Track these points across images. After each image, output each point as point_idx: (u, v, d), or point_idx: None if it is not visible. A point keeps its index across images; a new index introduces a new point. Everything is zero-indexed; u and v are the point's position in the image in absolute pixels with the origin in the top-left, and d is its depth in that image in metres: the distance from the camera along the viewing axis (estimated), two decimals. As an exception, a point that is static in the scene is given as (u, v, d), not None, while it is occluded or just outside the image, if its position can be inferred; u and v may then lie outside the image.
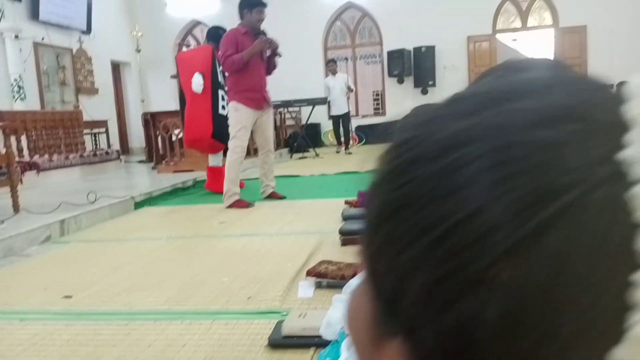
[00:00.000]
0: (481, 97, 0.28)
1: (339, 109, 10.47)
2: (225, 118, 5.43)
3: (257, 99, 5.23)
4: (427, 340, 0.26)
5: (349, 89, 10.29)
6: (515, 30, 12.46)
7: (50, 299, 2.99)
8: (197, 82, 5.59)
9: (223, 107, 5.70)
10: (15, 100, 9.16)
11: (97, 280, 3.27)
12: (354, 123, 11.70)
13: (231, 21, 5.67)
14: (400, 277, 0.26)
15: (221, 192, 5.29)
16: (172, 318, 2.55)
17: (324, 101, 10.59)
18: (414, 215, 0.26)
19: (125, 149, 12.34)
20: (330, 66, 10.64)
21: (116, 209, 5.35)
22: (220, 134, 5.67)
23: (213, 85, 5.75)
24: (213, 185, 6.06)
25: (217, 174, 5.97)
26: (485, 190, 0.24)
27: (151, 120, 8.54)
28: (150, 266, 3.51)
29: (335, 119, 10.77)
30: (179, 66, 6.05)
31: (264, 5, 5.31)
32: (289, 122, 11.66)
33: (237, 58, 5.06)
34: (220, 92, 5.79)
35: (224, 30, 5.65)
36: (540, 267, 0.23)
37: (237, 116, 5.15)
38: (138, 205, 5.66)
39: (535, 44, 13.62)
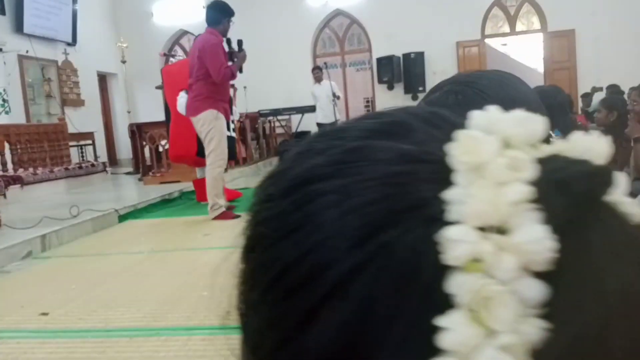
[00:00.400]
0: (341, 135, 0.29)
1: (325, 117, 9.84)
2: None
3: (227, 110, 5.17)
4: None
5: (335, 97, 9.74)
6: (504, 35, 12.48)
7: (26, 316, 2.95)
8: (181, 104, 5.38)
9: None
10: (0, 114, 9.03)
11: (74, 297, 3.22)
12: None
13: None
14: (244, 319, 0.29)
15: None
16: (148, 334, 2.50)
17: (312, 109, 10.51)
18: (260, 256, 0.28)
19: (113, 160, 12.23)
20: (316, 73, 10.00)
21: (99, 223, 5.25)
22: (204, 152, 5.57)
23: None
24: (202, 196, 5.98)
25: (202, 185, 5.88)
26: (311, 231, 0.26)
27: (137, 131, 8.46)
28: (130, 281, 3.43)
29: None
30: (165, 79, 5.97)
31: (233, 15, 5.14)
32: (278, 131, 11.59)
33: (234, 69, 4.94)
34: None
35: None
36: (351, 310, 0.24)
37: (219, 125, 5.00)
38: (122, 218, 5.56)
39: (524, 48, 13.65)
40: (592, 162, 0.25)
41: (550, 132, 0.94)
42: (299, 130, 11.14)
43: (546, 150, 0.26)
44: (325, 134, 0.31)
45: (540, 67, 12.51)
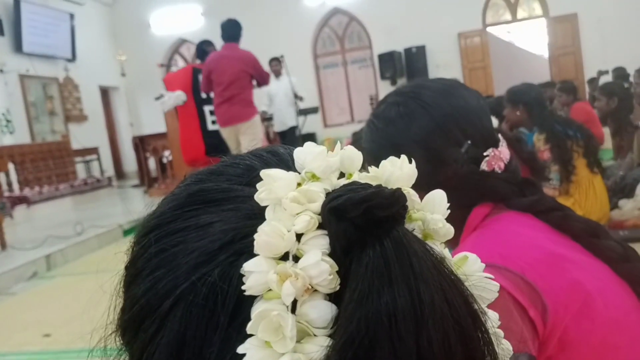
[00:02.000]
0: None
1: (282, 123, 7.92)
2: (217, 133, 5.31)
3: None
4: None
5: (297, 97, 7.73)
6: (506, 22, 12.33)
7: (29, 338, 2.95)
8: (163, 102, 5.58)
9: (213, 122, 5.58)
10: (4, 135, 9.06)
11: (77, 316, 3.14)
12: (349, 129, 11.54)
13: (216, 36, 5.53)
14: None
15: None
16: None
17: (316, 110, 10.42)
18: (123, 298, 0.33)
19: (119, 173, 12.24)
20: (274, 66, 7.77)
21: (104, 239, 5.22)
22: (214, 150, 5.52)
23: (197, 103, 5.64)
24: None
25: None
26: (145, 277, 0.30)
27: (141, 144, 8.43)
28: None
29: (280, 137, 8.00)
30: (167, 88, 5.96)
31: None
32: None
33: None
34: (207, 108, 5.67)
35: (208, 43, 5.65)
36: (165, 346, 0.27)
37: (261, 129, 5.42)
38: (127, 232, 5.52)
39: (528, 35, 13.47)
40: (370, 188, 0.27)
41: (523, 130, 0.90)
42: (303, 132, 11.07)
43: (356, 178, 0.30)
44: (187, 178, 0.35)
45: (545, 53, 12.35)
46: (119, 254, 0.34)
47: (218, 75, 5.01)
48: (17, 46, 9.77)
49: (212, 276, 0.27)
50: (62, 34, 10.85)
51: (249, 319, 0.26)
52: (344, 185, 0.29)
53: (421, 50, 11.81)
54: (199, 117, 5.68)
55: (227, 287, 0.27)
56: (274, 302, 0.26)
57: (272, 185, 0.28)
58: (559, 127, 3.34)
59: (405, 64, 11.96)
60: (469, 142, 0.86)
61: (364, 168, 0.32)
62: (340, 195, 0.27)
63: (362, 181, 0.29)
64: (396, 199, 0.27)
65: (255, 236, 0.27)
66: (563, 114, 4.93)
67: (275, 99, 7.86)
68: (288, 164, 0.32)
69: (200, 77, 5.33)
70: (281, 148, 0.36)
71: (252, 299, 0.26)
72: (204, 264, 0.28)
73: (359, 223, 0.26)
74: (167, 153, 7.90)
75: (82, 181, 8.53)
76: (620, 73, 8.04)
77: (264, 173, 0.29)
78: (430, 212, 0.31)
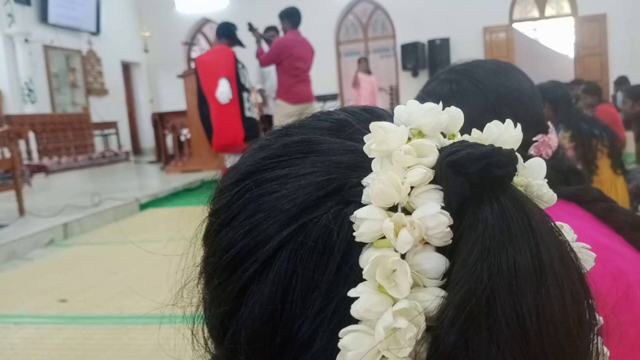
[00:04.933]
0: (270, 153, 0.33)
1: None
2: (253, 120, 5.53)
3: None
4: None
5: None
6: (533, 19, 12.16)
7: (46, 302, 3.00)
8: (223, 92, 5.36)
9: (249, 109, 5.66)
10: (26, 104, 9.14)
11: (93, 284, 3.24)
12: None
13: (239, 17, 5.55)
14: (204, 303, 0.34)
15: None
16: (162, 322, 2.47)
17: (335, 97, 10.39)
18: (209, 244, 0.33)
19: (136, 149, 12.32)
20: (271, 36, 6.65)
21: (121, 211, 5.26)
22: (251, 137, 5.63)
23: (238, 89, 5.64)
24: None
25: None
26: (249, 217, 0.30)
27: (160, 120, 8.47)
28: (148, 269, 3.42)
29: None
30: (200, 70, 5.82)
31: None
32: (301, 119, 11.52)
33: None
34: (245, 94, 5.69)
35: (234, 26, 5.59)
36: (274, 283, 0.27)
37: None
38: (143, 206, 5.57)
39: (555, 33, 13.28)
40: (487, 146, 0.27)
41: (550, 124, 0.90)
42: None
43: (458, 138, 0.30)
44: (274, 131, 0.35)
45: (571, 53, 12.18)
46: (135, 226, 0.33)
47: (297, 57, 5.53)
48: (43, 17, 9.84)
49: (322, 220, 0.28)
50: (88, 7, 10.89)
51: (357, 265, 0.26)
52: (458, 142, 0.29)
53: (445, 42, 11.69)
54: (239, 103, 5.68)
55: (338, 232, 0.27)
56: (384, 250, 0.26)
57: (385, 137, 0.28)
58: (585, 125, 3.31)
59: (428, 56, 11.86)
60: (520, 124, 0.83)
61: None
62: (459, 150, 0.27)
63: (471, 141, 0.29)
64: (513, 158, 0.27)
65: (370, 184, 0.27)
66: (589, 114, 4.87)
67: (271, 75, 6.99)
68: (386, 120, 0.31)
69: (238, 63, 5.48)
70: (375, 107, 0.36)
71: (360, 246, 0.27)
72: (311, 209, 0.28)
73: (475, 179, 0.26)
74: (185, 131, 7.93)
75: (100, 154, 8.61)
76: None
77: (375, 125, 0.29)
78: (533, 178, 0.31)
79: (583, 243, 0.31)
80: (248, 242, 0.29)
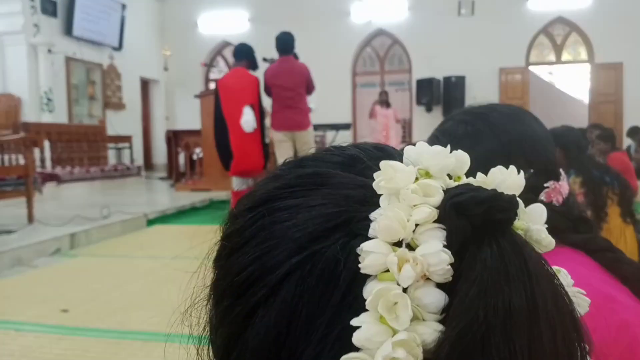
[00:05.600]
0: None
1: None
2: (268, 146, 5.67)
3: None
4: None
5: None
6: (549, 63, 12.24)
7: (47, 311, 2.99)
8: (248, 121, 5.35)
9: (267, 136, 5.80)
10: (44, 113, 9.27)
11: (96, 296, 3.23)
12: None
13: (260, 42, 5.63)
14: (210, 324, 0.35)
15: None
16: (161, 340, 2.49)
17: (348, 126, 10.46)
18: (221, 267, 0.34)
19: (148, 164, 12.40)
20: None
21: (128, 225, 5.28)
22: (267, 163, 5.79)
23: (261, 117, 5.67)
24: None
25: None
26: (261, 243, 0.31)
27: (174, 138, 8.55)
28: (151, 286, 3.42)
29: None
30: (222, 93, 5.76)
31: None
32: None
33: None
34: (265, 122, 5.76)
35: (252, 48, 5.65)
36: (280, 308, 0.29)
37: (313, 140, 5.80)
38: (151, 222, 5.58)
39: (570, 78, 13.34)
40: (490, 191, 0.29)
41: (561, 172, 0.91)
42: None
43: (463, 180, 0.32)
44: (289, 162, 0.37)
45: (586, 99, 12.22)
46: (142, 241, 0.35)
47: (279, 85, 5.45)
48: (68, 29, 10.04)
49: (330, 250, 0.29)
50: (112, 22, 11.11)
51: (360, 296, 0.27)
52: (463, 185, 0.30)
53: (461, 80, 11.78)
54: (261, 130, 5.71)
55: (344, 263, 0.28)
56: (388, 283, 0.27)
57: (394, 175, 0.30)
58: (596, 172, 3.31)
59: (443, 92, 11.94)
60: (532, 170, 0.85)
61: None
62: (463, 193, 0.29)
63: (476, 185, 0.30)
64: (514, 204, 0.29)
65: (377, 219, 0.29)
66: (601, 160, 4.86)
67: None
68: (395, 159, 0.33)
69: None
70: (386, 146, 0.37)
71: (364, 277, 0.28)
72: (320, 240, 0.29)
73: (477, 221, 0.28)
74: (198, 150, 8.00)
75: (113, 167, 8.68)
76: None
77: (385, 163, 0.31)
78: (533, 223, 0.32)
79: (579, 288, 0.33)
80: (258, 267, 0.30)
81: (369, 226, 0.29)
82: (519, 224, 0.31)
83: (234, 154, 5.65)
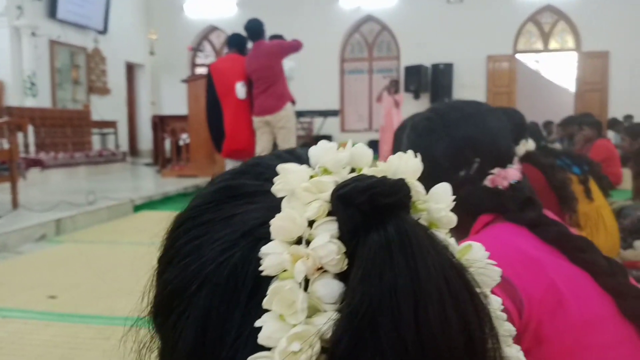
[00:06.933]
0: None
1: None
2: None
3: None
4: None
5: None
6: (536, 51, 12.30)
7: (35, 297, 2.96)
8: (241, 90, 5.59)
9: None
10: (27, 97, 9.12)
11: (84, 282, 3.20)
12: (366, 137, 11.53)
13: (247, 26, 5.63)
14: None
15: None
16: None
17: (336, 113, 10.43)
18: (155, 286, 0.37)
19: (133, 150, 12.29)
20: None
21: (115, 211, 5.23)
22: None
23: (250, 95, 5.72)
24: None
25: None
26: (178, 262, 0.34)
27: (160, 123, 8.47)
28: (140, 272, 3.37)
29: None
30: (215, 76, 5.89)
31: None
32: (299, 133, 11.54)
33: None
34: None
35: (245, 38, 5.74)
36: (196, 317, 0.31)
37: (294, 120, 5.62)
38: (137, 208, 5.54)
39: (557, 66, 13.42)
40: (374, 178, 0.30)
41: (515, 160, 1.05)
42: (320, 134, 11.09)
43: (365, 172, 0.32)
44: (210, 181, 0.39)
45: (572, 87, 12.30)
46: (128, 227, 0.37)
47: (253, 71, 5.47)
48: (52, 12, 9.85)
49: (233, 259, 0.31)
50: (97, 5, 10.93)
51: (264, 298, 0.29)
52: (354, 177, 0.31)
53: (449, 67, 11.80)
54: (251, 110, 5.74)
55: (247, 268, 0.30)
56: (288, 281, 0.28)
57: (287, 177, 0.32)
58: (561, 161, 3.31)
59: (431, 80, 11.96)
60: (478, 159, 1.01)
61: None
62: (348, 184, 0.30)
63: (369, 174, 0.32)
64: (399, 187, 0.30)
65: (272, 221, 0.30)
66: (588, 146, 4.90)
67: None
68: (303, 161, 0.35)
69: None
70: (299, 149, 0.39)
71: (269, 279, 0.29)
72: (227, 250, 0.31)
73: (364, 209, 0.29)
74: (184, 136, 7.93)
75: (98, 152, 8.57)
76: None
77: (280, 167, 0.32)
78: (436, 202, 0.33)
79: (491, 260, 0.34)
80: (177, 283, 0.33)
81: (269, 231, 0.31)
82: (421, 205, 0.32)
83: (226, 133, 5.71)
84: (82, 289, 3.08)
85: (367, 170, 0.33)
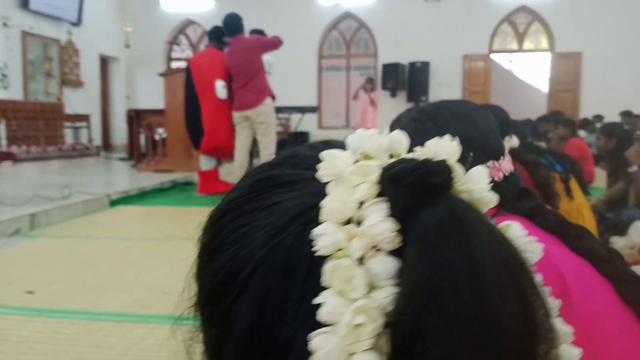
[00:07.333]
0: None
1: None
2: None
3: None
4: None
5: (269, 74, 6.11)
6: (511, 51, 12.47)
7: (12, 293, 2.90)
8: (221, 88, 5.56)
9: None
10: (-2, 89, 8.92)
11: (62, 278, 3.15)
12: (343, 134, 11.53)
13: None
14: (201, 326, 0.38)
15: (216, 193, 5.27)
16: (136, 321, 2.45)
17: (313, 110, 10.41)
18: (200, 277, 0.38)
19: (107, 144, 12.09)
20: None
21: (90, 206, 5.14)
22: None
23: (230, 94, 5.67)
24: (206, 187, 5.94)
25: (209, 177, 5.95)
26: (227, 249, 0.34)
27: (135, 117, 8.34)
28: (119, 267, 3.35)
29: None
30: (193, 71, 5.81)
31: None
32: (277, 129, 11.48)
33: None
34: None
35: (222, 29, 5.68)
36: (252, 300, 0.32)
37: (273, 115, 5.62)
38: (114, 203, 5.46)
39: (531, 67, 13.64)
40: (419, 159, 0.32)
41: (506, 153, 1.07)
42: (298, 130, 11.06)
43: (403, 157, 0.34)
44: (246, 174, 0.40)
45: (544, 87, 12.51)
46: (105, 222, 0.37)
47: (231, 67, 5.45)
48: (24, 2, 9.64)
49: (285, 242, 0.32)
50: (71, -4, 10.72)
51: (320, 277, 0.30)
52: (399, 160, 0.33)
53: (425, 66, 11.89)
54: (229, 106, 5.70)
55: (300, 250, 0.31)
56: (343, 259, 0.29)
57: (333, 162, 0.33)
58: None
59: (408, 78, 12.03)
60: (472, 154, 0.96)
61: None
62: (396, 166, 0.31)
63: (410, 157, 0.33)
64: (443, 167, 0.31)
65: (323, 204, 0.31)
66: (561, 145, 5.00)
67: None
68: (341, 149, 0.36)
69: None
70: (332, 140, 0.40)
71: (322, 259, 0.30)
72: (278, 234, 0.32)
73: (414, 189, 0.30)
74: (160, 130, 7.84)
75: (71, 146, 8.43)
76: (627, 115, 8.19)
77: (325, 153, 0.34)
78: (473, 184, 0.35)
79: (531, 237, 0.36)
80: (228, 270, 0.33)
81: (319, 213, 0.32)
82: (461, 187, 0.34)
83: (205, 129, 5.66)
84: (61, 284, 3.02)
85: (406, 155, 0.34)
